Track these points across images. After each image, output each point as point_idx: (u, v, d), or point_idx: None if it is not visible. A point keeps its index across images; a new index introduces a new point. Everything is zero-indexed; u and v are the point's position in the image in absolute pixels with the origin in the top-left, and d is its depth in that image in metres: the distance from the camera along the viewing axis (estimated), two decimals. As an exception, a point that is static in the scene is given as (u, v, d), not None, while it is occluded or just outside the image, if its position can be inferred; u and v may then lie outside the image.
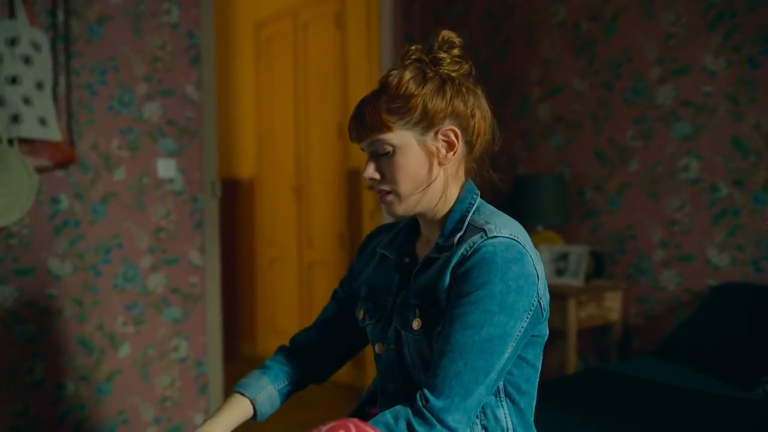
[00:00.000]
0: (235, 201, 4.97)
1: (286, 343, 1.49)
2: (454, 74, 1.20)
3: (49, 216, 2.64)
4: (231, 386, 3.59)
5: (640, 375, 2.09)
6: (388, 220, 3.31)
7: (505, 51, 3.36)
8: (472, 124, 1.22)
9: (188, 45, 2.96)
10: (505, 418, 1.19)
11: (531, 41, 3.24)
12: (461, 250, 1.14)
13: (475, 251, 1.12)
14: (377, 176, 1.20)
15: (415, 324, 1.18)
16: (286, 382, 1.40)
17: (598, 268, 2.94)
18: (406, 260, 1.29)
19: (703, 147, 2.64)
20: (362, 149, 1.23)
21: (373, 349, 1.32)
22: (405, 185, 1.18)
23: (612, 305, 2.82)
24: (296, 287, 4.51)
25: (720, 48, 2.58)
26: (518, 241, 1.13)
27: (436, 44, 1.21)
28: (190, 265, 2.98)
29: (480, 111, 1.23)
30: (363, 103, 1.20)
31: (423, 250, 1.28)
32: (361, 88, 3.73)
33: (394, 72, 1.19)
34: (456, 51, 1.21)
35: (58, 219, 2.66)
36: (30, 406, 2.59)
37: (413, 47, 1.22)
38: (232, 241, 4.93)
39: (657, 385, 2.01)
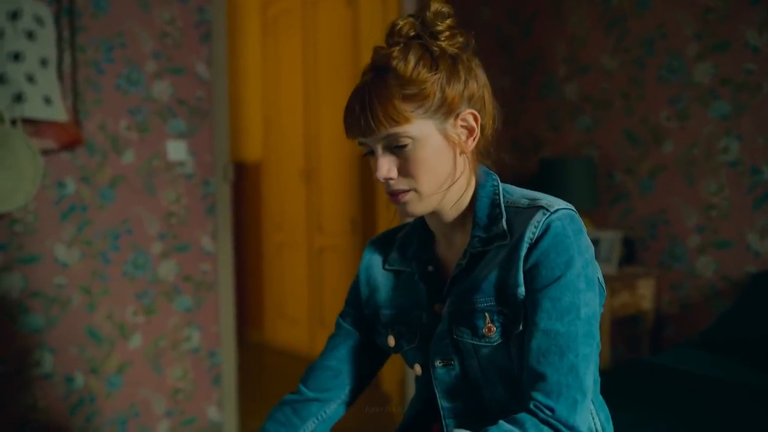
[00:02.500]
0: (241, 185, 4.84)
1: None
2: (456, 49, 1.06)
3: (55, 201, 2.51)
4: (244, 377, 3.48)
5: (688, 369, 1.98)
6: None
7: (529, 27, 3.22)
8: (484, 103, 1.10)
9: (198, 20, 2.82)
10: (594, 418, 1.10)
11: (557, 16, 3.09)
12: (527, 235, 1.01)
13: (544, 231, 1.01)
14: (395, 175, 1.04)
15: (488, 330, 1.04)
16: None
17: (628, 255, 2.82)
18: (430, 268, 1.15)
19: (744, 127, 2.51)
20: (363, 145, 1.06)
21: (412, 369, 1.18)
22: (428, 182, 1.04)
23: (644, 293, 2.71)
24: (305, 273, 4.40)
25: (764, 23, 2.45)
26: (575, 211, 1.05)
27: (429, 16, 1.06)
28: (201, 252, 2.86)
29: (487, 88, 1.10)
30: (365, 93, 1.02)
31: (449, 252, 1.14)
32: (376, 66, 3.59)
33: (395, 53, 1.03)
34: (449, 22, 1.07)
35: (65, 204, 2.53)
36: (39, 400, 2.48)
37: (403, 21, 1.06)
38: (238, 226, 4.80)
39: (710, 381, 1.90)
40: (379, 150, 1.05)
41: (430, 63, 1.03)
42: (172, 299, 2.78)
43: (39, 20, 2.32)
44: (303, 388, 1.26)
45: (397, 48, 1.04)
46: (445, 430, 1.12)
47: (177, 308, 2.80)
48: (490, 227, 1.07)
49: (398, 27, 1.06)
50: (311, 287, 4.37)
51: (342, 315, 1.28)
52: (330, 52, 4.10)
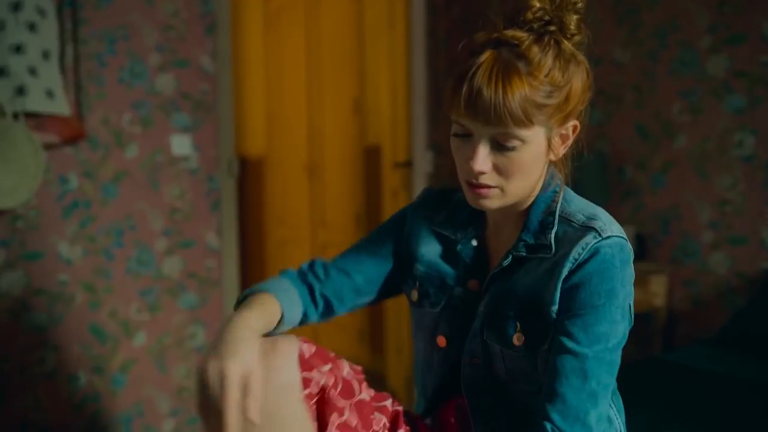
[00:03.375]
0: (243, 180, 4.78)
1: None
2: (578, 49, 1.01)
3: (58, 196, 2.46)
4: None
5: (704, 367, 1.94)
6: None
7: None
8: (583, 112, 1.06)
9: (202, 12, 2.76)
10: (615, 418, 1.10)
11: (567, 9, 3.04)
12: (572, 255, 0.99)
13: (592, 255, 0.98)
14: (488, 170, 1.00)
15: (517, 339, 1.03)
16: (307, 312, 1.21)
17: (639, 251, 2.78)
18: (474, 243, 1.12)
19: (759, 121, 2.47)
20: (460, 125, 0.99)
21: (434, 342, 1.14)
22: (519, 183, 1.01)
23: (656, 290, 2.67)
24: (309, 269, 4.35)
25: (780, 14, 2.40)
26: (627, 240, 1.02)
27: (563, 3, 0.98)
28: (206, 248, 2.81)
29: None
30: (499, 79, 0.94)
31: (495, 240, 1.12)
32: (381, 60, 3.54)
33: (532, 43, 0.95)
34: (581, 4, 1.01)
35: (68, 199, 2.48)
36: (41, 399, 2.43)
37: (537, 3, 0.98)
38: (240, 221, 4.75)
39: (727, 379, 1.86)
40: (483, 141, 0.99)
41: (563, 66, 0.98)
42: (176, 296, 2.74)
43: (41, 12, 2.27)
44: (317, 282, 1.19)
45: (532, 36, 0.97)
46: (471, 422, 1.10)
47: (182, 305, 2.75)
48: (538, 235, 1.04)
49: (532, 4, 0.98)
50: (315, 283, 4.31)
51: (380, 233, 1.23)
52: (334, 45, 4.05)
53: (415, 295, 1.17)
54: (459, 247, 1.13)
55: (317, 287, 1.19)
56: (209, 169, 2.81)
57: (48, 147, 2.39)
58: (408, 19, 3.16)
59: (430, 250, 1.17)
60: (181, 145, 2.72)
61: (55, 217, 2.45)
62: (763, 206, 2.47)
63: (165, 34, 2.66)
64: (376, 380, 3.74)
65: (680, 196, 2.70)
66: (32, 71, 2.22)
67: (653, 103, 2.76)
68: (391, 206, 3.47)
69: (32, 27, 2.24)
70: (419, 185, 3.13)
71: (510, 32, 0.97)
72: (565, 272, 0.99)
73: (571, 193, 1.10)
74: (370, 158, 3.81)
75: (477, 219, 1.14)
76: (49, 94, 2.27)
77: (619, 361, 1.00)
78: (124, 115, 2.59)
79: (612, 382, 0.99)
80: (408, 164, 3.17)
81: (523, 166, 0.99)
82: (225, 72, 2.82)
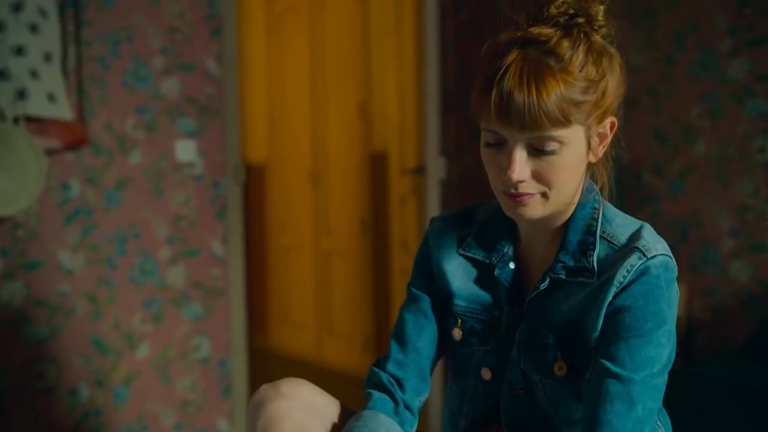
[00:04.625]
0: (245, 186, 4.71)
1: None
2: (609, 42, 0.95)
3: (59, 204, 2.39)
4: (253, 387, 3.36)
5: (731, 379, 1.86)
6: (432, 207, 3.06)
7: (549, 23, 3.10)
8: (620, 108, 1.00)
9: (208, 14, 2.69)
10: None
11: (581, 11, 2.98)
12: (617, 278, 0.92)
13: (637, 276, 0.92)
14: (527, 178, 0.93)
15: (558, 369, 0.97)
16: None
17: (656, 259, 2.71)
18: (512, 266, 1.04)
19: (782, 126, 2.40)
20: (492, 133, 0.92)
21: (479, 374, 1.06)
22: (562, 188, 0.94)
23: (676, 299, 2.60)
24: (312, 277, 4.28)
25: (804, 16, 2.34)
26: (672, 257, 0.96)
27: None
28: (212, 257, 2.73)
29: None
30: (530, 79, 0.88)
31: (529, 257, 1.04)
32: (388, 63, 3.48)
33: (561, 38, 0.90)
34: (605, 6, 0.95)
35: (69, 207, 2.41)
36: (41, 414, 2.35)
37: None
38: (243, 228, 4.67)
39: (756, 392, 1.79)
40: (519, 147, 0.92)
41: (596, 60, 0.92)
42: (181, 307, 2.66)
43: (43, 12, 2.20)
44: (398, 391, 1.09)
45: (560, 31, 0.91)
46: None
47: (186, 316, 2.67)
48: (578, 256, 0.97)
49: (553, 1, 0.92)
50: (318, 291, 4.25)
51: (415, 285, 1.14)
52: (338, 48, 3.98)
53: (458, 333, 1.08)
54: (497, 271, 1.05)
55: (408, 420, 1.09)
56: (214, 176, 2.73)
57: (49, 152, 2.32)
58: (418, 21, 3.09)
59: (464, 281, 1.09)
60: (185, 150, 2.65)
61: (56, 225, 2.38)
62: (786, 213, 2.40)
63: (170, 36, 2.59)
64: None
65: (699, 203, 2.63)
66: (33, 74, 2.15)
67: (671, 108, 2.70)
68: (398, 213, 3.40)
69: (34, 28, 2.16)
70: (432, 192, 3.06)
71: (536, 29, 0.92)
72: (609, 297, 0.93)
73: (611, 208, 1.03)
74: (376, 164, 3.74)
75: (509, 236, 1.07)
76: (51, 97, 2.20)
77: (664, 385, 0.95)
78: (128, 119, 2.52)
79: (656, 410, 0.94)
80: (419, 170, 3.09)
81: (564, 169, 0.93)
82: (231, 75, 2.75)
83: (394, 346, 1.12)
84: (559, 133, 0.90)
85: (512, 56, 0.90)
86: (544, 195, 0.94)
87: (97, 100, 2.44)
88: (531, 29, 0.92)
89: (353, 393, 3.92)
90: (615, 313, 0.92)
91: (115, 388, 2.51)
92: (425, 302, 1.12)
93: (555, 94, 0.88)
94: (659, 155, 2.74)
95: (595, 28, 0.93)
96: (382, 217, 3.69)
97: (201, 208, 2.70)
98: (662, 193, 2.73)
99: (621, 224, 0.99)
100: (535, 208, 0.95)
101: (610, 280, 0.93)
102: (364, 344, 3.95)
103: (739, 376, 1.96)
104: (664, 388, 0.95)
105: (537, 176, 0.93)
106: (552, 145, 0.91)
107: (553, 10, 0.92)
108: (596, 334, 0.93)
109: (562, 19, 0.92)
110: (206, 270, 2.72)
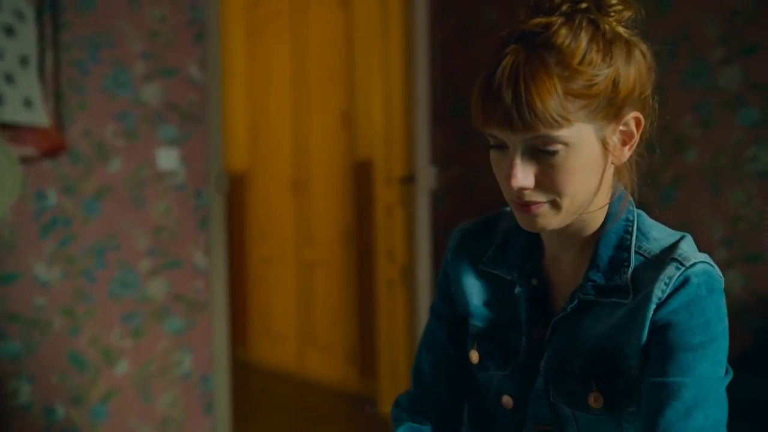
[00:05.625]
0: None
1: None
2: (626, 29, 0.86)
3: (35, 214, 2.31)
4: (234, 401, 3.28)
5: (748, 396, 1.82)
6: (421, 216, 3.00)
7: (538, 30, 3.07)
8: (651, 104, 0.92)
9: (190, 19, 2.63)
10: None
11: (571, 19, 2.96)
12: (655, 294, 0.84)
13: (677, 288, 0.84)
14: (532, 184, 0.84)
15: (594, 401, 0.87)
16: None
17: (648, 269, 2.69)
18: (534, 282, 0.96)
19: (775, 135, 2.39)
20: (491, 137, 0.85)
21: (500, 402, 0.98)
22: (572, 196, 0.85)
23: (669, 310, 2.57)
24: (294, 287, 4.21)
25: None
26: (714, 265, 0.89)
27: None
28: (193, 269, 2.66)
29: (652, 83, 0.91)
30: (519, 77, 0.79)
31: (557, 275, 0.96)
32: (374, 70, 3.43)
33: (560, 27, 0.80)
34: None
35: (46, 217, 2.33)
36: (15, 436, 2.25)
37: None
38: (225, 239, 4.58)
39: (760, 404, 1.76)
40: (519, 151, 0.83)
41: (603, 48, 0.81)
42: (161, 321, 2.58)
43: (19, 15, 2.12)
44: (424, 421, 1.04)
45: (560, 19, 0.81)
46: None
47: (167, 330, 2.59)
48: (611, 274, 0.89)
49: None
50: (300, 302, 4.17)
51: (436, 310, 1.08)
52: (321, 56, 3.93)
53: (474, 356, 1.00)
54: (517, 289, 0.96)
55: None
56: (197, 185, 2.66)
57: (25, 160, 2.25)
58: (406, 27, 3.04)
59: (483, 298, 1.01)
60: (167, 158, 2.59)
61: (31, 236, 2.31)
62: (779, 223, 2.39)
63: (151, 40, 2.53)
64: (367, 405, 3.60)
65: (691, 212, 2.60)
66: (9, 78, 2.07)
67: (662, 116, 2.68)
68: (384, 223, 3.34)
69: (9, 31, 2.08)
70: (422, 201, 3.00)
71: (534, 20, 0.83)
72: (649, 316, 0.84)
73: (647, 220, 0.95)
74: (361, 173, 3.68)
75: (533, 249, 0.98)
76: (27, 103, 2.14)
77: (726, 399, 0.86)
78: (108, 126, 2.45)
79: (723, 420, 0.84)
80: (408, 179, 3.04)
81: (572, 173, 0.83)
82: (214, 82, 2.68)
83: (412, 381, 1.08)
84: (559, 133, 0.81)
85: (505, 52, 0.82)
86: (554, 204, 0.86)
87: (75, 106, 2.37)
88: (530, 21, 0.83)
89: (336, 407, 3.84)
90: (658, 331, 0.84)
91: (93, 406, 2.43)
92: (441, 332, 1.06)
93: (547, 91, 0.78)
94: (651, 164, 2.71)
95: (608, 12, 0.84)
96: (367, 227, 3.63)
97: (183, 218, 2.63)
98: (654, 202, 2.70)
99: (658, 238, 0.91)
100: (547, 219, 0.87)
101: (647, 298, 0.85)
102: (347, 357, 3.88)
103: (737, 387, 1.92)
104: (726, 400, 0.85)
105: (543, 182, 0.84)
106: (554, 146, 0.82)
107: None
108: (636, 360, 0.85)
109: (565, 7, 0.83)
110: (188, 282, 2.64)
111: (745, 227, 2.47)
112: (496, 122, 0.82)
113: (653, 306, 0.84)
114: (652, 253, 0.88)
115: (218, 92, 2.71)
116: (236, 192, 4.63)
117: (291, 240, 4.20)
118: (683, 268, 0.84)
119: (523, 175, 0.83)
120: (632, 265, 0.87)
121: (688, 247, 0.88)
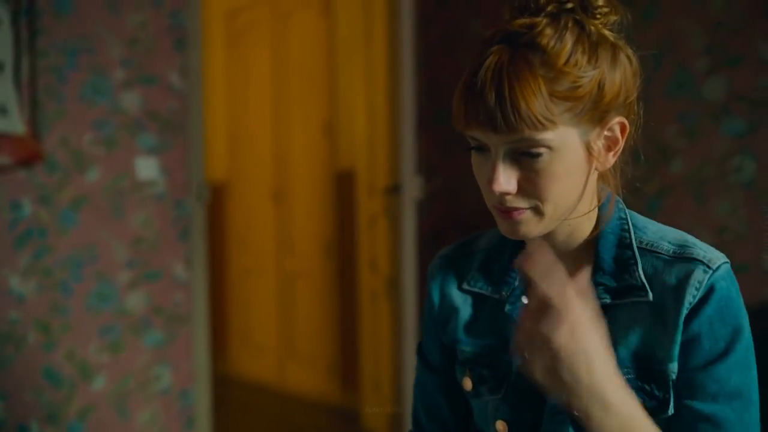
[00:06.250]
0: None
1: None
2: (612, 32, 0.85)
3: (10, 224, 2.26)
4: (219, 418, 3.21)
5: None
6: (407, 226, 2.97)
7: (522, 40, 3.07)
8: (636, 110, 0.91)
9: (171, 25, 2.59)
10: None
11: (555, 29, 2.96)
12: (687, 297, 0.82)
13: (707, 294, 0.82)
14: (514, 189, 0.82)
15: None
16: None
17: (633, 279, 2.68)
18: (524, 300, 0.91)
19: (760, 146, 2.39)
20: (472, 139, 0.83)
21: (492, 426, 0.95)
22: (555, 202, 0.83)
23: (655, 321, 2.56)
24: (274, 299, 4.16)
25: None
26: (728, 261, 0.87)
27: None
28: (174, 281, 2.60)
29: (638, 89, 0.91)
30: (503, 77, 0.77)
31: None
32: (357, 79, 3.40)
33: (544, 27, 0.79)
34: None
35: (21, 228, 2.28)
36: (-13, 455, 2.17)
37: None
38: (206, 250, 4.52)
39: None
40: (501, 154, 0.81)
41: (589, 50, 0.80)
42: (140, 334, 2.52)
43: (-6, 19, 2.05)
44: None
45: (545, 19, 0.79)
46: None
47: (146, 344, 2.53)
48: (620, 275, 0.87)
49: None
50: (281, 314, 4.12)
51: (423, 348, 1.06)
52: (303, 65, 3.90)
53: (468, 383, 0.97)
54: (507, 307, 0.93)
55: None
56: (177, 195, 2.61)
57: (0, 170, 2.18)
58: (391, 35, 3.02)
59: (469, 321, 0.98)
60: (147, 168, 2.54)
61: (5, 247, 2.25)
62: (764, 232, 2.39)
63: (131, 47, 2.49)
64: (349, 419, 3.55)
65: (677, 223, 2.58)
66: (-17, 85, 2.00)
67: (647, 126, 2.68)
68: (367, 234, 3.30)
69: (-16, 36, 2.02)
70: (408, 212, 2.97)
71: (519, 21, 0.81)
72: (682, 318, 0.82)
73: (638, 216, 0.95)
74: (343, 183, 3.65)
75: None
76: (2, 110, 2.10)
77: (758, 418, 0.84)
78: (85, 135, 2.41)
79: None
80: (394, 189, 3.00)
81: (555, 179, 0.81)
82: (195, 90, 2.64)
83: (413, 423, 1.07)
84: (543, 136, 0.79)
85: (488, 53, 0.80)
86: (537, 210, 0.84)
87: (52, 114, 2.33)
88: (514, 21, 0.82)
89: (317, 420, 3.77)
90: (690, 342, 0.82)
91: (69, 424, 2.37)
92: (431, 383, 1.04)
93: (531, 92, 0.77)
94: (636, 174, 2.71)
95: (593, 14, 0.82)
96: (349, 237, 3.59)
97: (163, 229, 2.57)
98: (640, 212, 2.70)
99: (656, 231, 0.91)
100: (529, 226, 0.84)
101: (678, 302, 0.83)
102: (328, 369, 3.82)
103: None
104: (759, 421, 0.84)
105: (525, 187, 0.82)
106: (537, 149, 0.80)
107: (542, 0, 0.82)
108: (672, 365, 0.83)
109: (550, 7, 0.81)
110: (168, 294, 2.59)
111: (731, 237, 2.48)
112: (478, 124, 0.80)
113: (685, 311, 0.82)
114: (660, 246, 0.88)
115: (199, 100, 2.66)
116: (215, 202, 4.57)
117: (272, 250, 4.15)
118: (711, 271, 0.83)
119: (505, 180, 0.81)
120: (639, 262, 0.86)
121: (701, 245, 0.88)
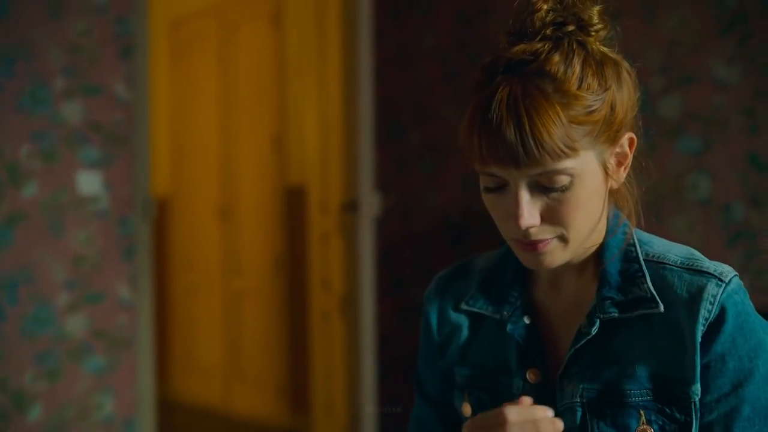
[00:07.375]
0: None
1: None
2: (609, 48, 0.84)
3: (-63, 244, 2.07)
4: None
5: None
6: (364, 244, 2.89)
7: (478, 57, 3.05)
8: (637, 122, 0.89)
9: (117, 32, 2.47)
10: None
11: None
12: (702, 313, 0.80)
13: (723, 309, 0.80)
14: (538, 222, 0.80)
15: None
16: None
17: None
18: (527, 320, 0.90)
19: (714, 164, 2.43)
20: (491, 176, 0.80)
21: None
22: (580, 227, 0.82)
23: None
24: (220, 318, 4.03)
25: (734, 56, 2.39)
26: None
27: None
28: (117, 303, 2.47)
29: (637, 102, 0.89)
30: (521, 110, 0.75)
31: (552, 297, 0.92)
32: (309, 92, 3.33)
33: (551, 53, 0.77)
34: (599, 8, 0.84)
35: (-51, 247, 2.10)
36: None
37: (544, 5, 0.80)
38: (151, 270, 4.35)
39: None
40: (523, 188, 0.78)
41: (597, 71, 0.79)
42: (80, 360, 2.38)
43: None
44: None
45: (549, 43, 0.78)
46: None
47: (86, 370, 2.39)
48: (627, 288, 0.84)
49: (538, 8, 0.79)
50: (227, 335, 3.99)
51: (421, 379, 1.02)
52: (251, 77, 3.81)
53: (467, 409, 0.93)
54: (509, 327, 0.90)
55: None
56: (121, 212, 2.49)
57: (-74, 184, 2.02)
58: (345, 48, 2.96)
59: (467, 343, 0.95)
60: (89, 183, 2.42)
61: (-68, 268, 2.06)
62: (721, 249, 2.41)
63: (73, 55, 2.37)
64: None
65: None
66: None
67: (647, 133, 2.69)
68: (319, 252, 3.22)
69: None
70: (365, 229, 2.90)
71: (520, 47, 0.79)
72: (698, 337, 0.80)
73: (641, 231, 0.93)
74: (293, 199, 3.56)
75: (521, 284, 0.93)
76: None
77: None
78: (22, 147, 2.28)
79: None
80: (351, 206, 2.93)
81: (579, 205, 0.80)
82: (142, 101, 2.53)
83: None
84: (566, 165, 0.78)
85: (496, 84, 0.78)
86: (562, 238, 0.82)
87: (-15, 125, 2.17)
88: (514, 49, 0.80)
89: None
90: (713, 364, 0.80)
91: (1, 459, 2.19)
92: (432, 420, 1.00)
93: (552, 121, 0.75)
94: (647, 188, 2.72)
95: (591, 33, 0.81)
96: (299, 255, 3.50)
97: (105, 247, 2.45)
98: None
99: (661, 244, 0.90)
100: (555, 256, 0.83)
101: (692, 316, 0.81)
102: (277, 392, 3.71)
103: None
104: None
105: (549, 217, 0.81)
106: (561, 180, 0.79)
107: (538, 24, 0.80)
108: (695, 387, 0.80)
109: (549, 31, 0.80)
110: (111, 317, 2.45)
111: (687, 255, 2.49)
112: (498, 161, 0.78)
113: (701, 327, 0.80)
114: (667, 258, 0.86)
115: (146, 112, 2.56)
116: (158, 217, 4.41)
117: (217, 268, 4.03)
118: (723, 285, 0.82)
119: (530, 214, 0.79)
120: (647, 274, 0.85)
121: (708, 260, 0.87)
